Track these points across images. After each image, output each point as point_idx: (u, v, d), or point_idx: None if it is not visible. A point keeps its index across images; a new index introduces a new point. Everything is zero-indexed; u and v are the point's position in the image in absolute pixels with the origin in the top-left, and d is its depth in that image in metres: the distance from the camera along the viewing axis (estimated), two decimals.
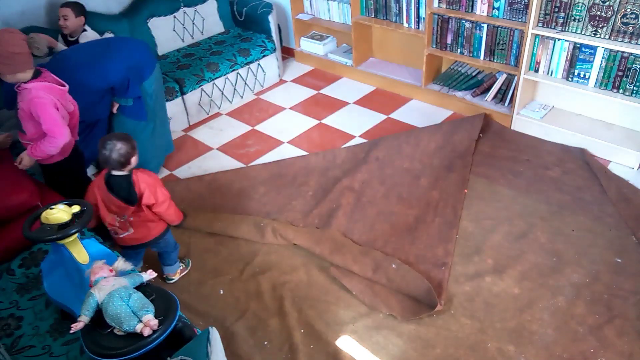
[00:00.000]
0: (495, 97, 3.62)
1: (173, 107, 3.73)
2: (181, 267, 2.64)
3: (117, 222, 2.24)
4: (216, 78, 3.92)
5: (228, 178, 3.27)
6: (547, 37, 3.09)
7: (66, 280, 1.84)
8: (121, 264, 1.74)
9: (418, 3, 3.70)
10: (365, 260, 2.50)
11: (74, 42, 3.22)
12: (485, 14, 3.39)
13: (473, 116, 3.53)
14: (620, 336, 2.11)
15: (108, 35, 3.69)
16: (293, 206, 2.98)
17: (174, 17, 4.07)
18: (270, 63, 4.29)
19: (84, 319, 1.57)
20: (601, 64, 2.98)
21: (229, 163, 3.46)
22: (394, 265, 2.44)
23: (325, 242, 2.62)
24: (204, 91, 3.89)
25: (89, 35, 3.26)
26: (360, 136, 3.61)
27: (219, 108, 4.07)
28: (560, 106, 3.45)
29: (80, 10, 3.20)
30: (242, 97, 4.20)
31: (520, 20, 3.25)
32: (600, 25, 2.87)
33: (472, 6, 3.42)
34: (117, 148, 2.10)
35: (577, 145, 3.22)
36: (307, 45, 4.60)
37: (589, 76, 3.06)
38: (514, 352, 2.10)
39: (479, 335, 2.17)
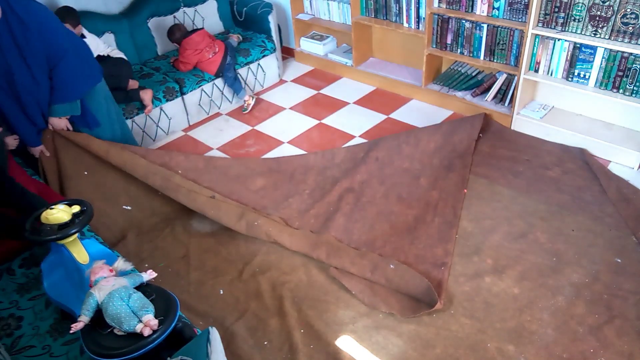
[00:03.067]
0: (495, 97, 3.62)
1: (173, 107, 3.73)
2: (247, 96, 3.91)
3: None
4: (216, 78, 3.92)
5: (227, 163, 3.28)
6: (547, 37, 3.09)
7: (66, 280, 1.84)
8: (121, 264, 1.73)
9: (418, 3, 3.70)
10: (362, 263, 2.49)
11: None
12: (485, 14, 3.39)
13: (473, 116, 3.53)
14: (620, 336, 2.11)
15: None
16: (289, 203, 2.98)
17: (174, 17, 4.07)
18: (270, 63, 4.29)
19: (84, 319, 1.56)
20: (601, 64, 2.98)
21: None
22: (392, 266, 2.44)
23: (321, 246, 2.61)
24: (204, 91, 3.89)
25: (89, 40, 3.25)
26: (360, 136, 3.61)
27: (219, 108, 4.07)
28: (560, 106, 3.46)
29: (76, 19, 3.19)
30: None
31: (520, 20, 3.25)
32: (600, 25, 2.87)
33: (472, 6, 3.42)
34: None
35: (577, 145, 3.22)
36: (307, 45, 4.60)
37: (589, 76, 3.06)
38: (513, 352, 2.10)
39: (479, 335, 2.17)
